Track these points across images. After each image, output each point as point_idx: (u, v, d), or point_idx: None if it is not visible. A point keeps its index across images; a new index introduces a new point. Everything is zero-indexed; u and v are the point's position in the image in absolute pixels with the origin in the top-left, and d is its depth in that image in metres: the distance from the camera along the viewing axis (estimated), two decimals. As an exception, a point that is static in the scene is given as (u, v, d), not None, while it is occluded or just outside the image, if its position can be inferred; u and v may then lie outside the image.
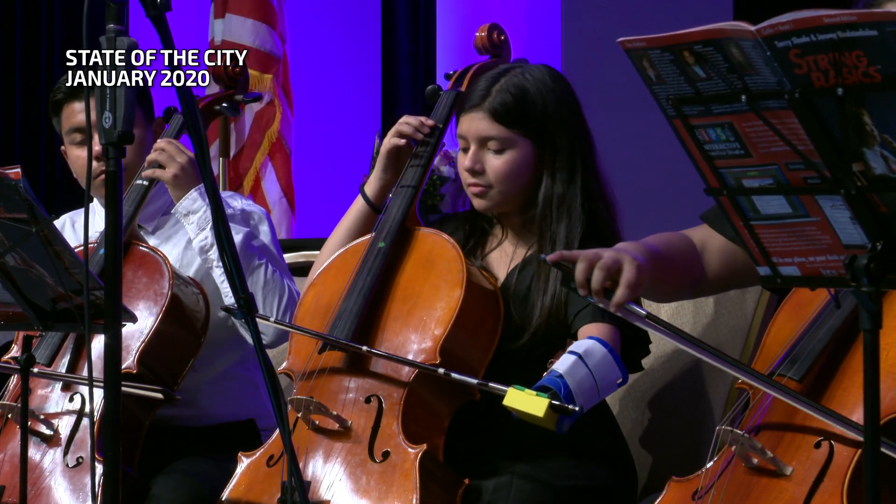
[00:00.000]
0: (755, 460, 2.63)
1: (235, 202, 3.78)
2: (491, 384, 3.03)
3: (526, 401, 2.84)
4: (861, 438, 2.45)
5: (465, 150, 3.28)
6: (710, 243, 2.87)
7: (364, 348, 3.17)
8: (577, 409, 2.83)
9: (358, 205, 3.47)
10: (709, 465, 2.72)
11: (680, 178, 4.65)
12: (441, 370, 3.10)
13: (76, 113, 3.70)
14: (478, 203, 3.30)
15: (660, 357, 3.53)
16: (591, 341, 2.94)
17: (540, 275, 3.24)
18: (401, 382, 3.17)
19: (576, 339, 3.09)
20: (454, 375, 3.10)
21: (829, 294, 2.64)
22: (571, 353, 2.92)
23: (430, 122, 3.43)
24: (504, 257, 3.34)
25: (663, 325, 2.59)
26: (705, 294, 3.04)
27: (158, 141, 3.65)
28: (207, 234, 3.57)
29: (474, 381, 3.08)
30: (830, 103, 2.07)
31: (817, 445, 2.59)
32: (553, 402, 2.81)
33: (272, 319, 3.49)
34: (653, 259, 2.70)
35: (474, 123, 3.26)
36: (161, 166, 3.61)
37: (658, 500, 2.78)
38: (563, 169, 3.24)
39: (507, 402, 2.86)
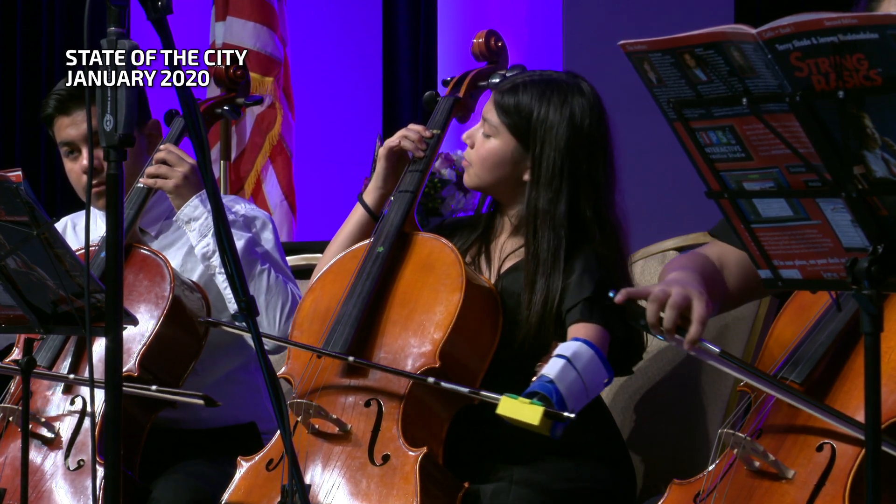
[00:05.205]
0: (757, 463, 2.63)
1: (238, 207, 3.77)
2: (483, 392, 3.04)
3: (520, 409, 2.85)
4: (863, 438, 2.45)
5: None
6: (727, 258, 2.87)
7: (350, 359, 3.17)
8: (571, 415, 2.85)
9: (357, 213, 3.47)
10: (710, 467, 2.72)
11: (681, 180, 4.65)
12: (431, 379, 3.10)
13: (65, 127, 3.70)
14: (464, 177, 3.35)
15: (655, 358, 3.53)
16: (578, 343, 2.98)
17: (528, 271, 3.24)
18: (400, 386, 3.17)
19: (564, 337, 3.10)
20: (444, 384, 3.09)
21: (831, 297, 2.64)
22: (560, 356, 2.95)
23: (428, 133, 3.44)
24: (499, 252, 3.35)
25: (736, 361, 2.61)
26: (727, 310, 3.02)
27: (159, 148, 3.64)
28: (209, 241, 3.56)
29: (466, 389, 3.07)
30: (831, 106, 2.07)
31: (819, 448, 2.59)
32: (547, 409, 2.84)
33: (275, 328, 3.53)
34: (707, 287, 2.70)
35: (489, 101, 3.32)
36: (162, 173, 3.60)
37: (660, 503, 2.78)
38: (546, 184, 3.22)
39: (500, 410, 2.87)
